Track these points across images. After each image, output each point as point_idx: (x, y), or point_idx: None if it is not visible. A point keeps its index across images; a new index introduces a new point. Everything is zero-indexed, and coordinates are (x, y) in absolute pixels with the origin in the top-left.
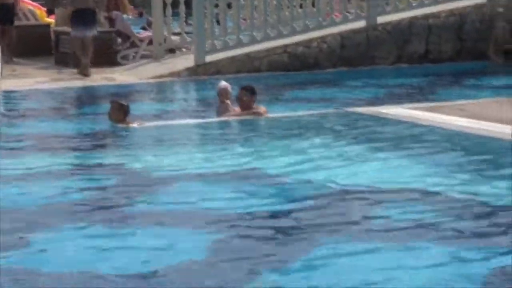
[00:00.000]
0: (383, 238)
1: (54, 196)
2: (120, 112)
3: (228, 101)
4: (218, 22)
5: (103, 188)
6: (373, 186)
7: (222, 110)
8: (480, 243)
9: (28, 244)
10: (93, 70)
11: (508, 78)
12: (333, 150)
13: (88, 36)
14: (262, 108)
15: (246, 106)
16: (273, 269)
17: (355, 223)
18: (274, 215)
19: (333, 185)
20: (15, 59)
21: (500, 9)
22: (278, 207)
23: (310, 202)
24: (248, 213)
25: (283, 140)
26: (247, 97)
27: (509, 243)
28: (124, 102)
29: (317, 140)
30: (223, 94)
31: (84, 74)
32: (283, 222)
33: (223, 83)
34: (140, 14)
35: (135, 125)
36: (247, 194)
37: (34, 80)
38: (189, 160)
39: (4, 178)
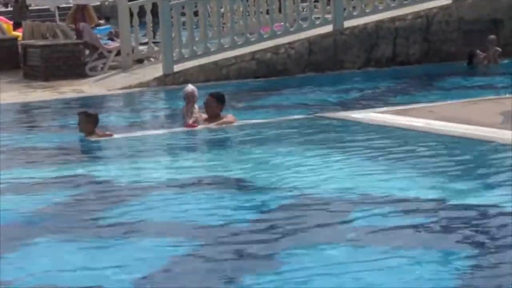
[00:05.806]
0: (351, 243)
1: (23, 209)
2: (89, 122)
3: (195, 105)
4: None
5: (73, 200)
6: (344, 192)
7: (187, 113)
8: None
9: None
10: (62, 83)
11: (477, 79)
12: (303, 156)
13: None
14: (229, 116)
15: (213, 113)
16: (247, 277)
17: (322, 229)
18: (246, 223)
19: (303, 192)
20: None
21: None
22: (249, 215)
23: (280, 210)
24: (221, 222)
25: (253, 148)
26: (214, 103)
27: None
28: (92, 112)
29: (287, 147)
30: (189, 97)
31: None
32: (254, 230)
33: (190, 87)
34: (97, 25)
35: (105, 136)
36: (219, 202)
37: (4, 93)
38: (159, 170)
39: None
